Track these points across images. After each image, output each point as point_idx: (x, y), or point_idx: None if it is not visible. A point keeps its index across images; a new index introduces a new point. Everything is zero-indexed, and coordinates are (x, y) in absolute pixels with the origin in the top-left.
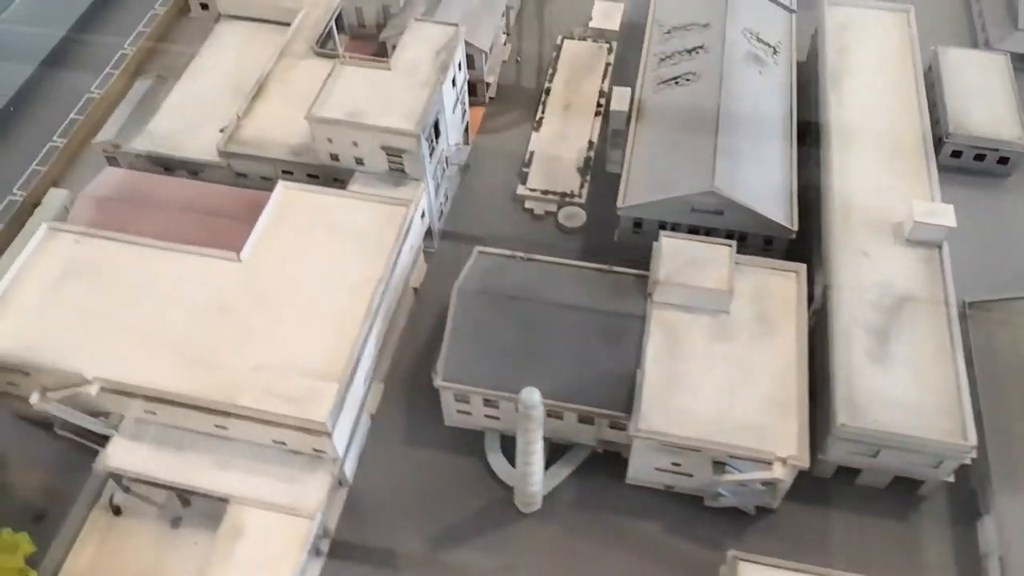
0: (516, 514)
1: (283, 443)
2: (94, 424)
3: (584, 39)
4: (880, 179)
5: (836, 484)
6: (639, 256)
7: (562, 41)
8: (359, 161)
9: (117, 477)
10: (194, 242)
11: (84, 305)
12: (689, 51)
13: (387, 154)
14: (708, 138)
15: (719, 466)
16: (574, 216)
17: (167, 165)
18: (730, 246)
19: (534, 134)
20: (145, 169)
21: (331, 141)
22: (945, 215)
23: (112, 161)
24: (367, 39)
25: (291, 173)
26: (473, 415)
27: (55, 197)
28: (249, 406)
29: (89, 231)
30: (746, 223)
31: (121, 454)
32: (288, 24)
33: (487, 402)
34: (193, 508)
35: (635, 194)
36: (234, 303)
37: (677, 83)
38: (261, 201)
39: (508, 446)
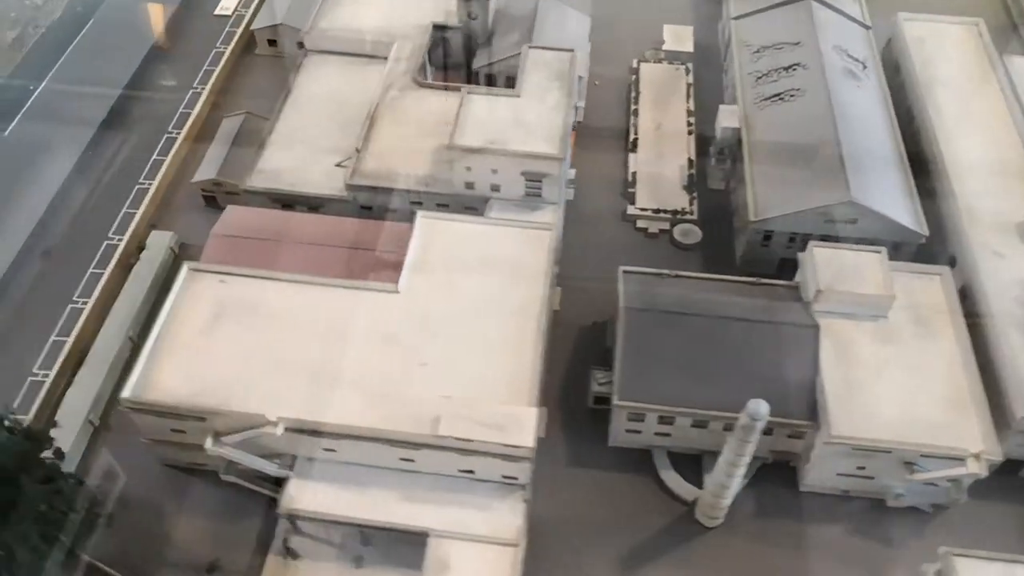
0: (700, 528)
1: (471, 471)
2: (269, 467)
3: (660, 61)
4: (993, 182)
5: (998, 478)
6: (763, 268)
7: (639, 64)
8: (495, 188)
9: (291, 519)
10: (335, 275)
11: (247, 345)
12: (786, 69)
13: (526, 179)
14: (832, 150)
15: (908, 466)
16: (690, 233)
17: (286, 201)
18: (880, 252)
19: (631, 155)
20: (259, 206)
21: (469, 169)
22: None
23: (210, 200)
24: (453, 68)
25: (420, 203)
26: (643, 433)
27: (159, 239)
28: (453, 436)
29: (234, 270)
30: (879, 230)
31: (303, 495)
32: (374, 57)
33: (662, 419)
34: (373, 546)
35: (767, 207)
36: (400, 334)
37: (782, 99)
38: (398, 232)
39: (676, 462)
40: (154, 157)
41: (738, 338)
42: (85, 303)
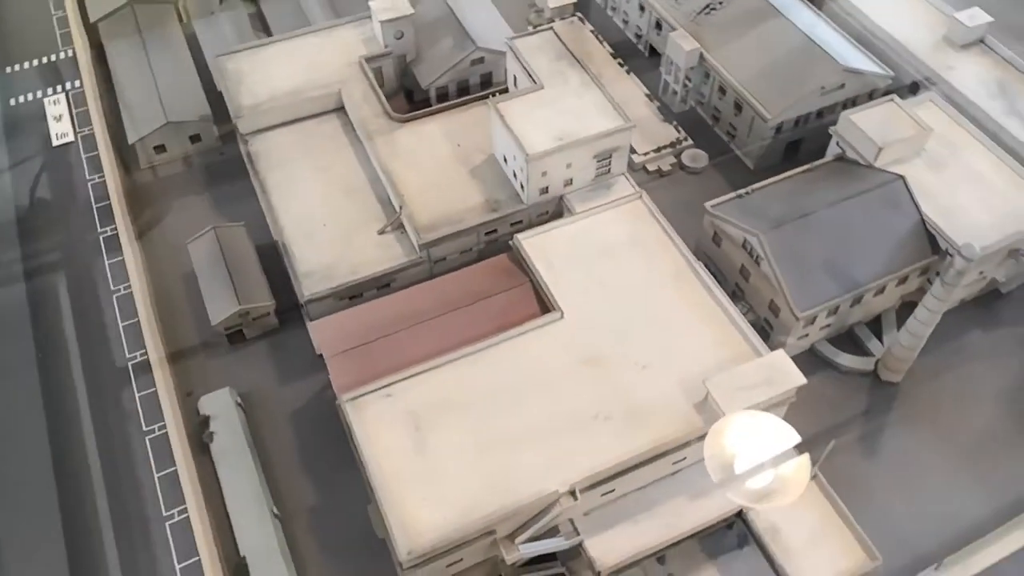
0: (892, 386)
1: None
2: (561, 543)
3: (551, 21)
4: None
5: None
6: (775, 159)
7: (535, 29)
8: (567, 183)
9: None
10: (482, 334)
11: (470, 439)
12: None
13: (597, 161)
14: (794, 35)
15: (1014, 253)
16: (698, 157)
17: (354, 293)
18: (891, 99)
19: None
20: (324, 312)
21: (545, 174)
22: None
23: (236, 336)
24: (394, 97)
25: (494, 231)
26: (810, 335)
27: (218, 401)
28: (741, 409)
29: (392, 378)
30: (860, 86)
31: (608, 549)
32: (320, 115)
33: (830, 312)
34: (667, 561)
35: (775, 103)
36: (600, 351)
37: (713, 9)
38: (497, 267)
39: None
40: (122, 325)
41: (849, 216)
42: (185, 512)
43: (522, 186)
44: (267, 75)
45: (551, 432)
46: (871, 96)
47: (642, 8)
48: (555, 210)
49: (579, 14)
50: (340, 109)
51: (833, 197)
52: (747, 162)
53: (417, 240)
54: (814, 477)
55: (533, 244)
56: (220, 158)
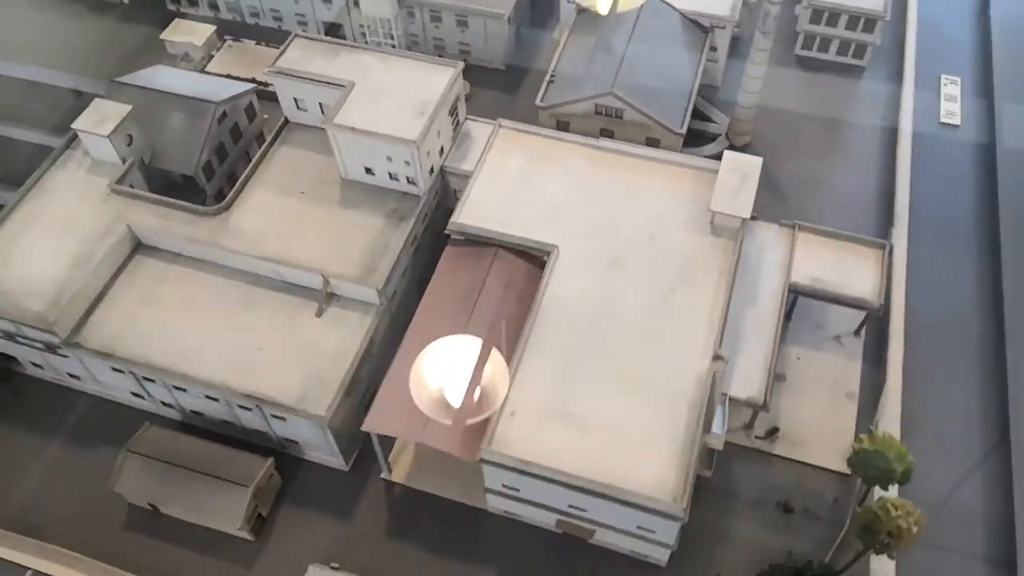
0: (747, 149)
1: None
2: (724, 410)
3: (210, 57)
4: None
5: None
6: (512, 47)
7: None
8: (441, 152)
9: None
10: (514, 315)
11: (612, 385)
12: None
13: (451, 116)
14: None
15: None
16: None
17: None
18: None
19: None
20: (339, 424)
21: (428, 153)
22: None
23: (256, 523)
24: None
25: (415, 237)
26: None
27: None
28: (750, 206)
29: (499, 403)
30: None
31: (753, 383)
32: (125, 263)
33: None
34: None
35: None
36: (613, 253)
37: None
38: (457, 258)
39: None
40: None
41: (644, 40)
42: None
43: (409, 180)
44: (32, 266)
45: (650, 332)
46: None
47: None
48: (441, 187)
49: (228, 37)
50: (139, 246)
51: (621, 36)
52: (496, 66)
53: (376, 291)
54: (800, 228)
55: (469, 217)
56: (14, 399)
